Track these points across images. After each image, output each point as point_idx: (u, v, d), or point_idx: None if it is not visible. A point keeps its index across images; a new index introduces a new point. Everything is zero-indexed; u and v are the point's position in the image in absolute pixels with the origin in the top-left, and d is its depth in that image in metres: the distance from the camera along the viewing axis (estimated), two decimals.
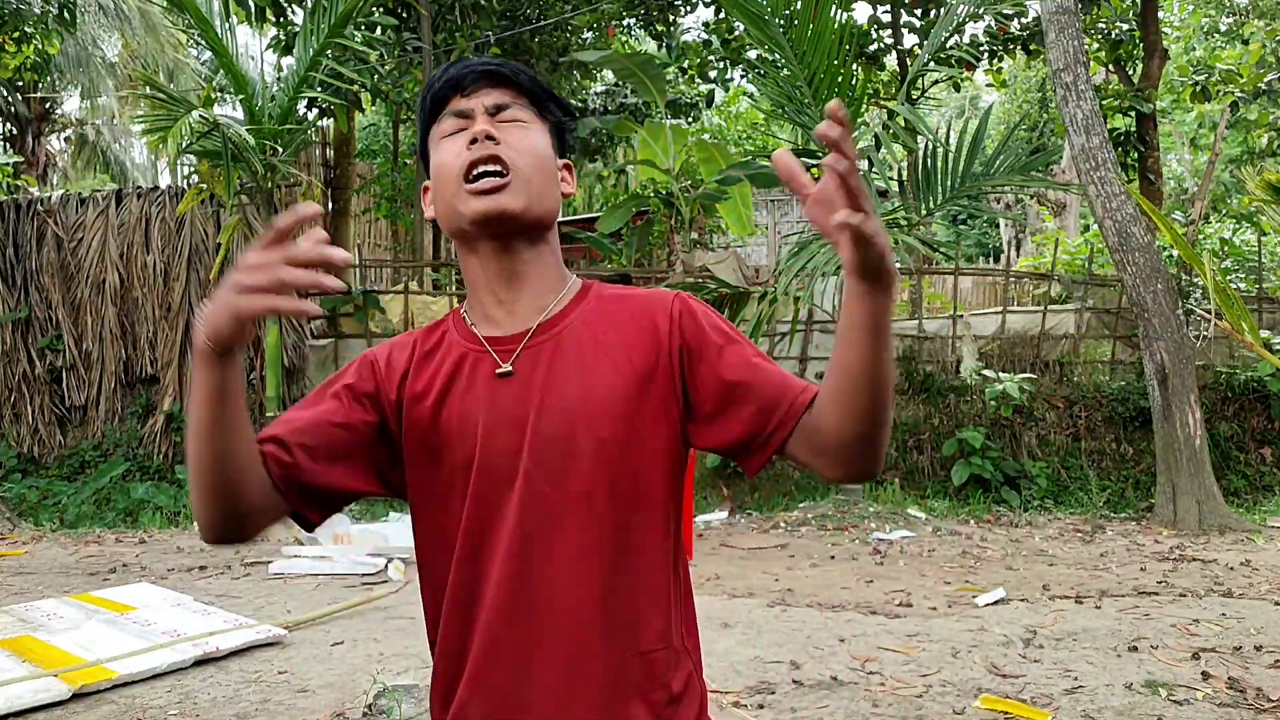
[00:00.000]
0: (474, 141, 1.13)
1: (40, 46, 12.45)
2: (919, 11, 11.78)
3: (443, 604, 1.15)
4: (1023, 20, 11.46)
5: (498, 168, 1.12)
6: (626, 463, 1.11)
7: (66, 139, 18.93)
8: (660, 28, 13.39)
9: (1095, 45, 11.51)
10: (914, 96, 9.89)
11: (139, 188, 10.50)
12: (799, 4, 6.93)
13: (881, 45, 12.43)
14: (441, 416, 1.15)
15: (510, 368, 1.14)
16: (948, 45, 8.90)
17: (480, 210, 1.12)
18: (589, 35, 14.49)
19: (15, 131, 16.59)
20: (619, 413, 1.11)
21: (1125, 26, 11.46)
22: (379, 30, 9.90)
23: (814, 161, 8.28)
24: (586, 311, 1.18)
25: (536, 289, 1.18)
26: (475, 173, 1.13)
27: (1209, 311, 9.38)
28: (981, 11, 8.83)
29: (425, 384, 1.17)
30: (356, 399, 1.18)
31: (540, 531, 1.10)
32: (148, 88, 7.70)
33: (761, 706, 3.49)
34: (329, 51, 7.85)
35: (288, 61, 9.97)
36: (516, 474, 1.10)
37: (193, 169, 8.81)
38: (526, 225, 1.15)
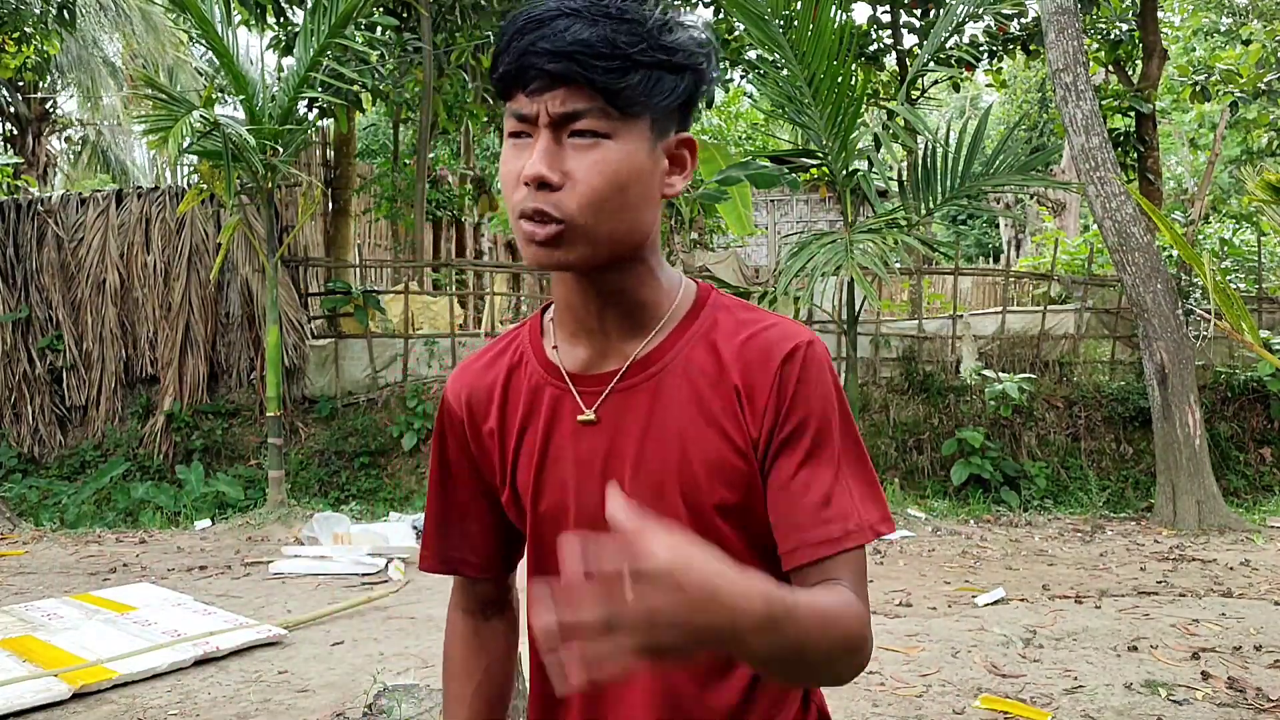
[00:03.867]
0: (526, 184, 0.92)
1: (40, 47, 12.44)
2: (919, 11, 11.77)
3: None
4: (1023, 20, 11.46)
5: (551, 219, 0.92)
6: (729, 532, 0.98)
7: (67, 139, 18.93)
8: None
9: (1095, 45, 11.50)
10: (914, 96, 9.89)
11: (139, 188, 10.50)
12: (799, 4, 6.93)
13: (881, 45, 12.42)
14: (520, 461, 1.05)
15: (594, 415, 0.99)
16: (947, 45, 8.90)
17: (534, 261, 0.94)
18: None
19: (15, 131, 16.58)
20: (725, 478, 0.97)
21: (1125, 27, 11.46)
22: (379, 30, 9.90)
23: (814, 162, 8.29)
24: (694, 342, 0.99)
25: (632, 319, 1.00)
26: (527, 213, 0.93)
27: (1209, 311, 9.39)
28: (981, 11, 8.83)
29: (500, 422, 1.06)
30: (467, 468, 1.12)
31: None
32: (149, 88, 7.68)
33: None
34: (329, 52, 7.85)
35: (288, 62, 9.97)
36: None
37: (193, 169, 8.81)
38: (598, 266, 0.96)
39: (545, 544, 1.04)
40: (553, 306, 1.07)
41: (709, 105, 14.35)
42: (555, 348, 1.04)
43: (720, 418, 0.97)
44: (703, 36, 0.96)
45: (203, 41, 7.83)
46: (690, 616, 0.69)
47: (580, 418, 0.99)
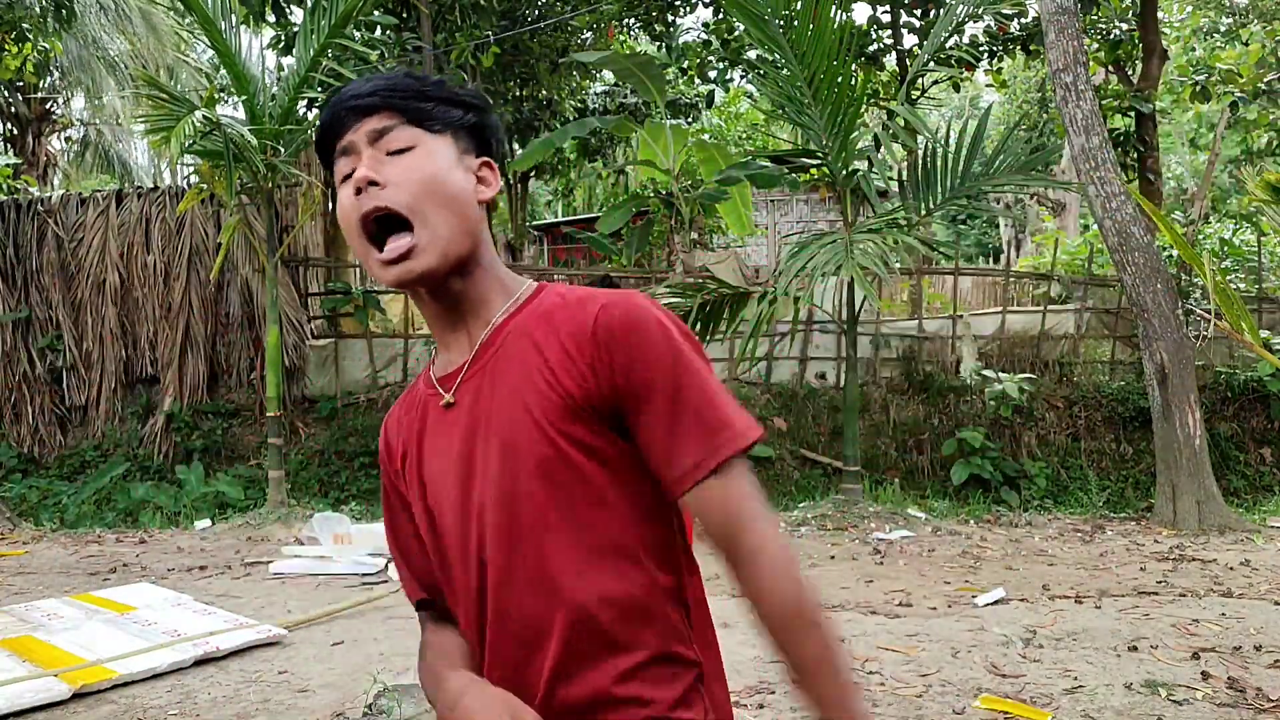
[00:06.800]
0: (359, 191, 1.07)
1: (40, 45, 12.44)
2: (919, 11, 11.77)
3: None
4: (1023, 20, 11.47)
5: (401, 225, 1.06)
6: (566, 484, 1.05)
7: (67, 139, 18.93)
8: (660, 28, 13.40)
9: (1095, 45, 11.50)
10: (914, 96, 9.90)
11: (139, 187, 10.50)
12: (799, 4, 6.93)
13: (881, 45, 12.42)
14: (409, 474, 1.17)
15: (452, 398, 1.11)
16: (947, 45, 8.90)
17: (395, 280, 1.07)
18: (589, 36, 14.50)
19: (15, 131, 16.58)
20: (550, 433, 1.04)
21: (1125, 27, 11.46)
22: (379, 30, 9.91)
23: (814, 162, 8.29)
24: (525, 319, 1.10)
25: (479, 313, 1.13)
26: (376, 235, 1.07)
27: (1209, 311, 9.39)
28: (981, 11, 8.83)
29: (402, 449, 1.19)
30: (397, 497, 1.23)
31: (505, 557, 1.06)
32: (150, 88, 7.68)
33: (761, 706, 3.49)
34: (329, 51, 7.85)
35: (288, 61, 9.97)
36: (477, 507, 1.07)
37: (193, 169, 8.81)
38: (449, 271, 1.09)
39: (437, 534, 1.14)
40: None
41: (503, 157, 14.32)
42: (431, 368, 1.19)
43: (554, 368, 1.05)
44: (478, 97, 1.17)
45: (205, 40, 7.83)
46: None
47: (441, 402, 1.13)
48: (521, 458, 1.05)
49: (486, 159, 1.15)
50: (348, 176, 1.09)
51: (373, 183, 1.06)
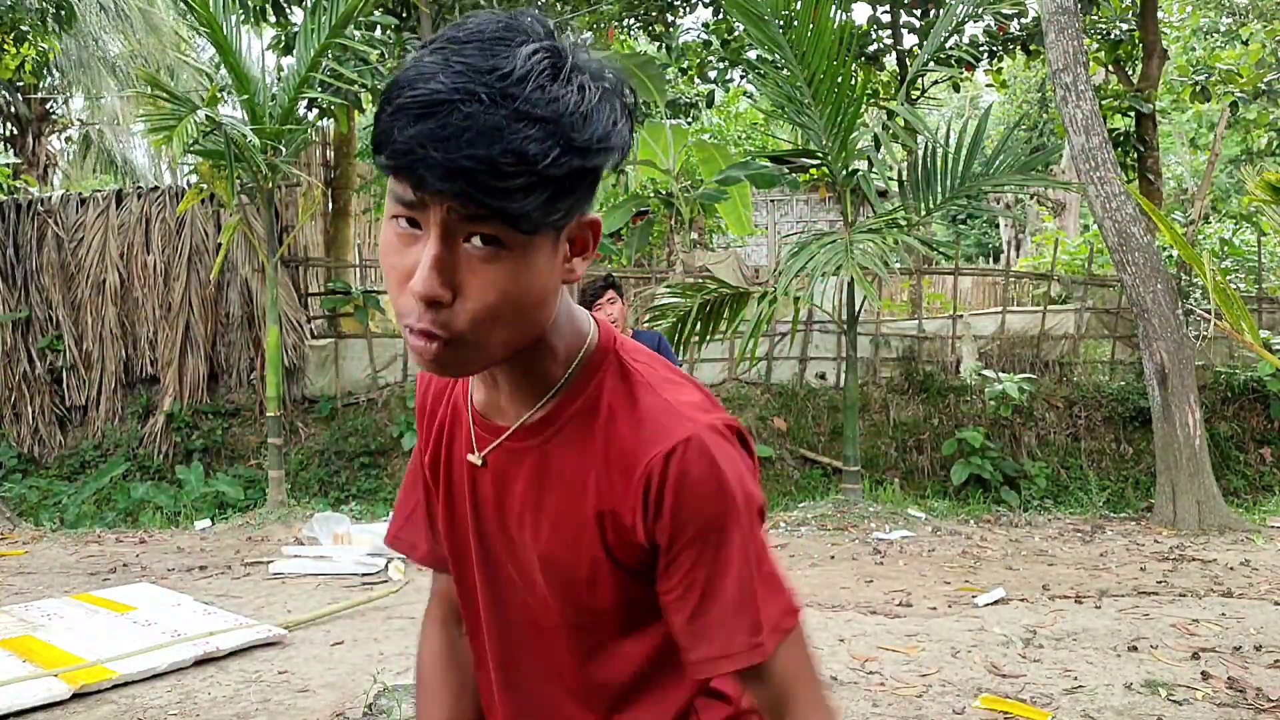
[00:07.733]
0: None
1: (39, 45, 12.43)
2: (918, 11, 11.77)
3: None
4: (1023, 20, 11.47)
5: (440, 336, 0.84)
6: (608, 622, 1.00)
7: (68, 139, 18.92)
8: (660, 28, 13.40)
9: (1095, 45, 11.50)
10: (914, 96, 9.90)
11: (139, 187, 10.50)
12: (799, 4, 6.93)
13: (881, 45, 12.43)
14: (439, 473, 1.07)
15: (480, 460, 0.99)
16: (947, 45, 8.89)
17: (421, 363, 0.89)
18: (588, 36, 14.49)
19: (15, 131, 16.57)
20: (591, 578, 0.96)
21: (1125, 27, 11.46)
22: (379, 30, 9.90)
23: (814, 162, 8.29)
24: (579, 421, 0.94)
25: (522, 388, 0.95)
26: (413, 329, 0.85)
27: (1209, 311, 9.39)
28: (981, 11, 8.83)
29: (432, 430, 1.08)
30: (420, 464, 1.15)
31: (517, 640, 1.05)
32: (152, 87, 7.68)
33: None
34: (329, 52, 7.85)
35: (287, 61, 9.97)
36: (499, 570, 1.03)
37: (192, 169, 8.81)
38: (493, 364, 0.92)
39: (459, 576, 1.09)
40: None
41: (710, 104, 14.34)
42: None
43: (590, 520, 0.93)
44: (622, 109, 0.83)
45: (206, 38, 7.83)
46: None
47: (470, 457, 1.00)
48: (554, 577, 0.98)
49: (591, 218, 0.87)
50: (401, 216, 0.82)
51: (435, 301, 0.81)
